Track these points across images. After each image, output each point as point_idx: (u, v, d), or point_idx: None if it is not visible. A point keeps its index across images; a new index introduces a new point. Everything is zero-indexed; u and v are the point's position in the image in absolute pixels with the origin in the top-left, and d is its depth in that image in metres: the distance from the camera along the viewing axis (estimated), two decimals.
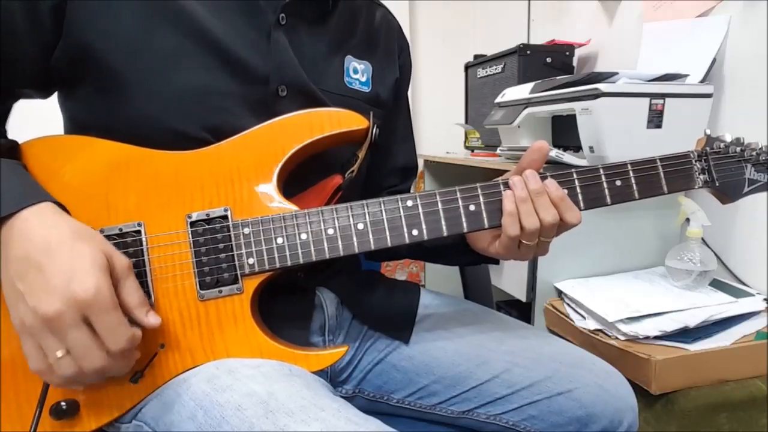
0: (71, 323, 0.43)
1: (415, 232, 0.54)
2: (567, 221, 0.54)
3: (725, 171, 0.59)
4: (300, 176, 0.59)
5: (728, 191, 0.60)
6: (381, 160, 0.76)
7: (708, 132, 0.61)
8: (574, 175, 0.56)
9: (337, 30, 0.66)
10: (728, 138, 0.61)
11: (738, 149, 0.59)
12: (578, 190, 0.56)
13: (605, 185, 0.57)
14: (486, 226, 0.55)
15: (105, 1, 0.53)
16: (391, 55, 0.75)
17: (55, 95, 0.60)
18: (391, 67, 0.74)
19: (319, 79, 0.62)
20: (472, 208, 0.55)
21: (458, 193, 0.55)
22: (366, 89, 0.68)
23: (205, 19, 0.55)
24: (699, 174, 0.59)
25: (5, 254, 0.45)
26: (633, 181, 0.57)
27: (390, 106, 0.74)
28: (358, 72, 0.67)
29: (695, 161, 0.59)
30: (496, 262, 0.67)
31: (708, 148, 0.60)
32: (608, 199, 0.57)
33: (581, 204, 0.56)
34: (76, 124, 0.59)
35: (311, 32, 0.63)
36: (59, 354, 0.43)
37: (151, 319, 0.48)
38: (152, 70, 0.54)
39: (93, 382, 0.46)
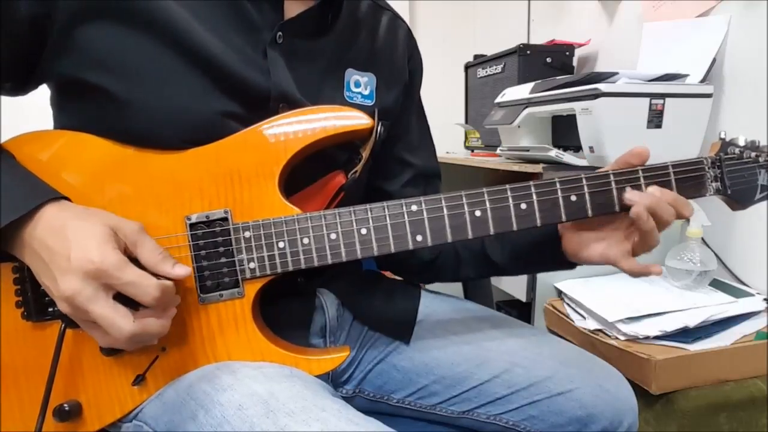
0: (91, 296, 0.43)
1: (419, 238, 0.53)
2: (686, 216, 0.55)
3: (738, 178, 0.57)
4: (300, 173, 0.58)
5: (740, 198, 0.58)
6: (400, 171, 0.74)
7: (723, 136, 0.59)
8: (584, 181, 0.55)
9: (338, 44, 0.64)
10: (742, 141, 0.58)
11: (753, 154, 0.57)
12: (587, 197, 0.55)
13: (614, 192, 0.55)
14: (538, 223, 0.55)
15: (96, 21, 0.51)
16: (400, 62, 0.72)
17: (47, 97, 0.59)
18: (399, 74, 0.72)
19: (317, 96, 0.60)
20: (478, 213, 0.54)
21: (464, 198, 0.54)
22: (369, 102, 0.66)
23: (200, 36, 0.53)
24: (711, 182, 0.57)
25: (28, 258, 0.46)
26: (643, 188, 0.55)
27: (398, 113, 0.72)
28: (360, 85, 0.65)
29: (708, 168, 0.57)
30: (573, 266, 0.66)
31: (722, 154, 0.57)
32: (617, 207, 0.55)
33: (589, 211, 0.55)
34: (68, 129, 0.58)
35: (309, 49, 0.61)
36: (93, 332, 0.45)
37: (179, 270, 0.48)
38: (146, 90, 0.52)
39: (146, 343, 0.47)
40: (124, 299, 0.45)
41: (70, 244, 0.44)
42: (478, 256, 0.70)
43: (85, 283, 0.43)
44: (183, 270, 0.48)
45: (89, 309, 0.43)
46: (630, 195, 0.54)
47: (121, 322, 0.44)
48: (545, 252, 0.64)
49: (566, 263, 0.63)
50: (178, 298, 0.49)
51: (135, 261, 0.46)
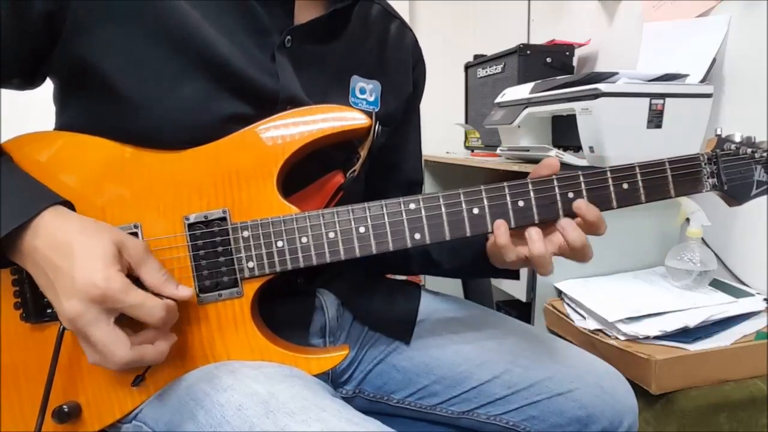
0: (92, 320, 0.43)
1: (417, 236, 0.54)
2: (600, 233, 0.56)
3: (734, 174, 0.58)
4: (298, 173, 0.58)
5: (736, 194, 0.58)
6: (388, 174, 0.74)
7: (719, 132, 0.59)
8: (581, 178, 0.55)
9: (346, 50, 0.64)
10: (738, 138, 0.59)
11: (748, 150, 0.57)
12: (584, 193, 0.55)
13: (612, 189, 0.55)
14: (489, 230, 0.55)
15: (108, 19, 0.51)
16: (405, 70, 0.73)
17: (51, 94, 0.59)
18: (404, 83, 0.72)
19: (324, 101, 0.59)
20: (476, 211, 0.54)
21: (462, 196, 0.54)
22: (373, 108, 0.67)
23: (210, 36, 0.53)
24: (708, 177, 0.57)
25: (32, 270, 0.46)
26: (640, 184, 0.55)
27: (400, 121, 0.72)
28: (365, 92, 0.65)
29: (704, 164, 0.57)
30: (517, 276, 0.66)
31: (718, 150, 0.58)
32: (614, 203, 0.55)
33: None
34: (69, 129, 0.57)
35: (317, 54, 0.61)
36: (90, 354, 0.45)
37: (182, 291, 0.48)
38: (153, 89, 0.52)
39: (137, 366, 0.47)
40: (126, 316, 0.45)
41: (74, 265, 0.43)
42: (424, 253, 0.71)
43: (88, 307, 0.43)
44: (187, 291, 0.48)
45: (89, 332, 0.43)
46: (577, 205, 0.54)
47: (118, 349, 0.44)
48: (472, 252, 0.64)
49: (495, 268, 0.63)
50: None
51: (137, 280, 0.46)
